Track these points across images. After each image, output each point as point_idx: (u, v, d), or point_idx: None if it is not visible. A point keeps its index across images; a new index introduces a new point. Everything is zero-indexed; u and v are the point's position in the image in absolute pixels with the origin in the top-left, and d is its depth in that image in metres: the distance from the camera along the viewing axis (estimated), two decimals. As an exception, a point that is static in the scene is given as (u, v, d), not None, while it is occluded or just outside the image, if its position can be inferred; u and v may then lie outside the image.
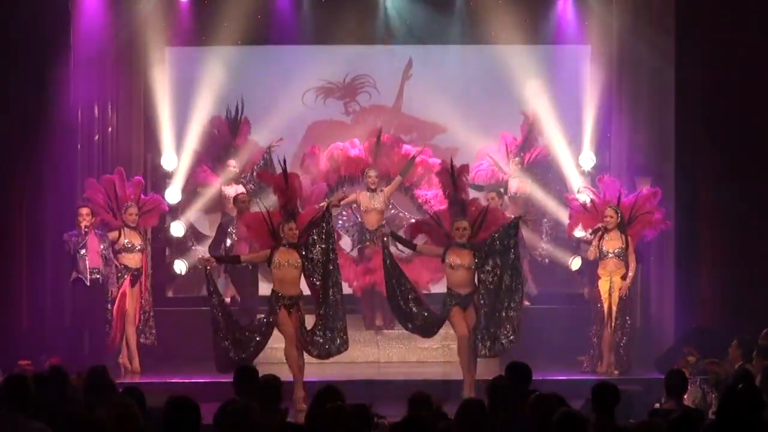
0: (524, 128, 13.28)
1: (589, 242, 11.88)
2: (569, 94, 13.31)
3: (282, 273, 10.33)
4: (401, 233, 11.67)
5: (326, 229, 10.36)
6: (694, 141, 12.33)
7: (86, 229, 11.41)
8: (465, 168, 10.98)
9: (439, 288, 12.07)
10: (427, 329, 10.71)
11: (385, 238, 10.90)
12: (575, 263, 12.51)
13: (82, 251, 11.39)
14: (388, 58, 13.64)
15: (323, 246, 10.32)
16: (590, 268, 11.98)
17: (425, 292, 12.08)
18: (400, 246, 12.32)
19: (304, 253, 10.30)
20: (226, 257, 11.80)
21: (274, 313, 10.31)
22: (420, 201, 13.00)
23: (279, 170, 10.83)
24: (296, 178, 10.78)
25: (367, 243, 12.64)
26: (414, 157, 12.76)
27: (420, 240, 11.24)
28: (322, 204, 11.54)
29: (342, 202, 12.57)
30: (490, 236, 10.47)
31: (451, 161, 11.02)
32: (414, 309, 10.58)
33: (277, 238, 10.38)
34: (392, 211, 12.95)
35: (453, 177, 10.74)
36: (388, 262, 10.72)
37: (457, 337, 10.56)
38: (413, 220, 12.15)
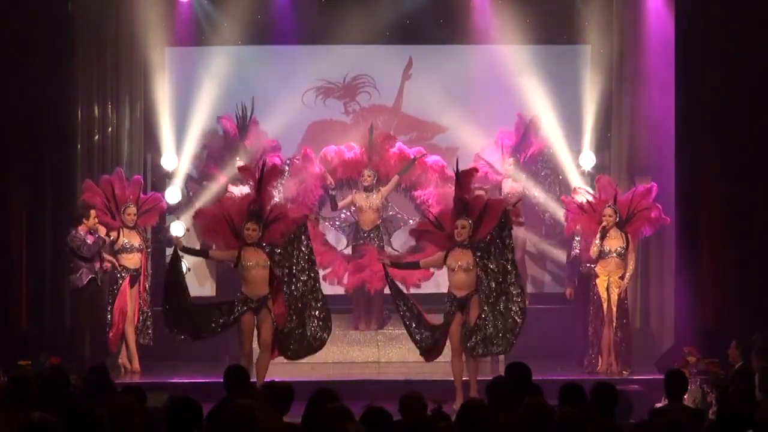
0: (519, 130, 13.24)
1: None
2: (569, 94, 13.30)
3: (253, 273, 10.16)
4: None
5: (305, 244, 10.24)
6: (694, 140, 12.33)
7: (103, 232, 11.45)
8: (471, 171, 10.72)
9: (429, 288, 12.25)
10: (432, 351, 10.46)
11: (385, 263, 10.74)
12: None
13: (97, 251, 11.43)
14: (388, 58, 13.64)
15: (304, 264, 10.22)
16: (573, 268, 12.08)
17: (414, 291, 12.04)
18: (394, 245, 12.41)
19: (279, 261, 10.17)
20: (194, 249, 11.07)
21: (238, 315, 10.14)
22: (418, 202, 12.99)
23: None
24: (274, 174, 10.61)
25: (361, 242, 12.66)
26: (414, 159, 12.77)
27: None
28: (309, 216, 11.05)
29: (340, 204, 12.67)
30: (488, 234, 10.38)
31: (457, 162, 10.80)
32: (418, 329, 10.42)
33: (241, 238, 10.21)
34: (390, 213, 12.94)
35: (457, 177, 10.52)
36: (393, 289, 10.57)
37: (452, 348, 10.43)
38: (414, 225, 11.77)
